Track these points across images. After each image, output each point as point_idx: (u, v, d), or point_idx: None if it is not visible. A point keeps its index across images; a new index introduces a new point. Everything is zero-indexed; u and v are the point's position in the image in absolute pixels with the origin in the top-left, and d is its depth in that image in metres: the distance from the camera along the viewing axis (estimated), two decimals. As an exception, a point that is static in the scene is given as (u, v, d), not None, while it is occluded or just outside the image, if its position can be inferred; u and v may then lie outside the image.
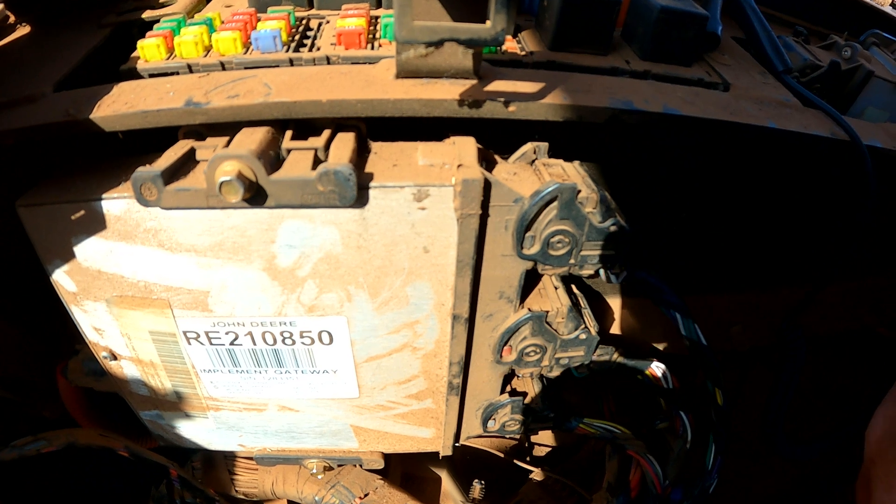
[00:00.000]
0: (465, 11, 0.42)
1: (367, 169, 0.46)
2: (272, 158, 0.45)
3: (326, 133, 0.48)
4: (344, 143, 0.47)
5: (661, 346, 0.76)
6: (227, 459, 0.74)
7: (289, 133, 0.48)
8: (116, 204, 0.48)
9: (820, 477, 1.01)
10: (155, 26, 0.58)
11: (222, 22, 0.58)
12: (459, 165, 0.45)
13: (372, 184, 0.45)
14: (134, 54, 0.57)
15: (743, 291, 0.76)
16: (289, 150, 0.46)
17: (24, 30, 0.70)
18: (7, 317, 0.70)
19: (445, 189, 0.45)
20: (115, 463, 0.66)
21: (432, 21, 0.40)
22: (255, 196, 0.44)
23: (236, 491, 0.76)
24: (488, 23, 0.39)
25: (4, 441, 0.66)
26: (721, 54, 0.62)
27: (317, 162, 0.45)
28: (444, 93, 0.46)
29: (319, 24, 0.58)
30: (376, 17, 0.59)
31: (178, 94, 0.49)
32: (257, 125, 0.48)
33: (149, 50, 0.55)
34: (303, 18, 0.59)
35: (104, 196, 0.48)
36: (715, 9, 0.62)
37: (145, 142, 0.52)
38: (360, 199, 0.45)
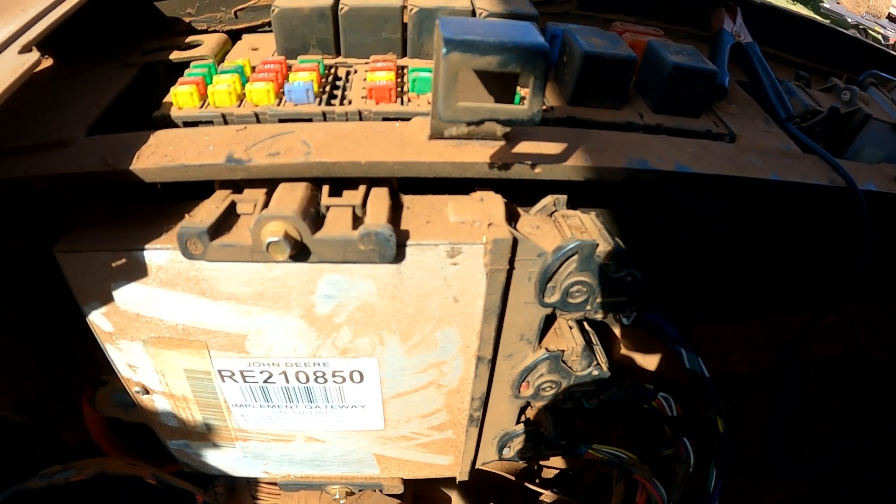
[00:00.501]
0: (499, 86, 0.47)
1: (403, 225, 0.52)
2: (313, 216, 0.50)
3: (362, 189, 0.53)
4: (380, 200, 0.52)
5: (666, 372, 0.83)
6: (249, 485, 0.80)
7: (326, 189, 0.53)
8: (159, 254, 0.52)
9: (820, 495, 1.10)
10: (186, 72, 0.62)
11: (253, 69, 0.63)
12: (489, 224, 0.51)
13: (409, 242, 0.50)
14: (166, 100, 0.61)
15: (743, 320, 0.83)
16: (328, 207, 0.52)
17: (46, 62, 0.73)
18: (29, 344, 0.74)
19: (476, 247, 0.51)
20: (141, 490, 0.71)
21: (473, 98, 0.45)
22: (299, 253, 0.49)
23: (255, 513, 0.82)
24: (525, 104, 0.44)
25: (28, 466, 0.70)
26: (727, 103, 0.69)
27: (356, 219, 0.51)
28: (476, 156, 0.51)
29: (347, 73, 0.63)
30: (403, 67, 0.64)
31: (217, 149, 0.53)
32: (295, 180, 0.53)
33: (182, 97, 0.59)
34: (331, 67, 0.64)
35: (147, 246, 0.52)
36: (723, 62, 0.68)
37: (177, 186, 0.56)
38: (398, 256, 0.50)
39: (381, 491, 0.74)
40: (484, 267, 0.51)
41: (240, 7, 0.71)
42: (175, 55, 0.67)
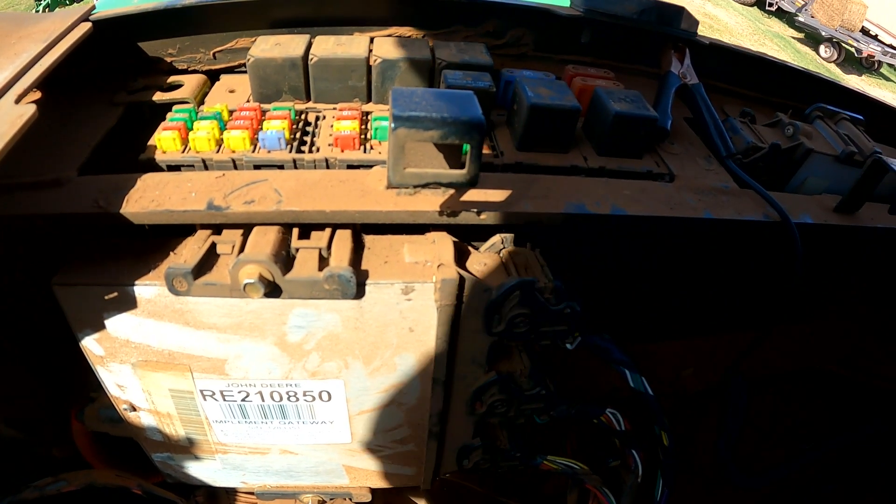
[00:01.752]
0: (447, 147, 0.60)
1: (363, 265, 0.64)
2: (284, 258, 0.63)
3: (328, 231, 0.66)
4: (343, 243, 0.65)
5: (618, 384, 0.97)
6: (228, 494, 0.93)
7: (295, 232, 0.66)
8: (148, 290, 0.65)
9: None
10: (168, 116, 0.74)
11: (230, 114, 0.75)
12: (440, 265, 0.64)
13: (368, 281, 0.63)
14: (151, 142, 0.73)
15: (692, 337, 0.97)
16: (297, 249, 0.64)
17: (34, 95, 0.84)
18: (22, 363, 0.86)
19: (428, 285, 0.64)
20: (127, 500, 0.84)
21: (424, 156, 0.58)
22: (272, 292, 0.62)
23: (233, 521, 0.95)
24: (465, 170, 0.57)
25: (20, 479, 0.83)
26: (671, 143, 0.81)
27: (322, 260, 0.63)
28: (428, 204, 0.64)
29: (317, 119, 0.76)
30: (368, 113, 0.76)
31: (199, 196, 0.65)
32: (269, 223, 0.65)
33: (165, 142, 0.71)
34: (302, 112, 0.76)
35: (137, 282, 0.65)
36: (666, 105, 0.81)
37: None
38: (359, 293, 0.63)
39: (350, 499, 0.87)
40: (435, 302, 0.64)
41: (218, 49, 0.83)
42: (158, 96, 0.79)
